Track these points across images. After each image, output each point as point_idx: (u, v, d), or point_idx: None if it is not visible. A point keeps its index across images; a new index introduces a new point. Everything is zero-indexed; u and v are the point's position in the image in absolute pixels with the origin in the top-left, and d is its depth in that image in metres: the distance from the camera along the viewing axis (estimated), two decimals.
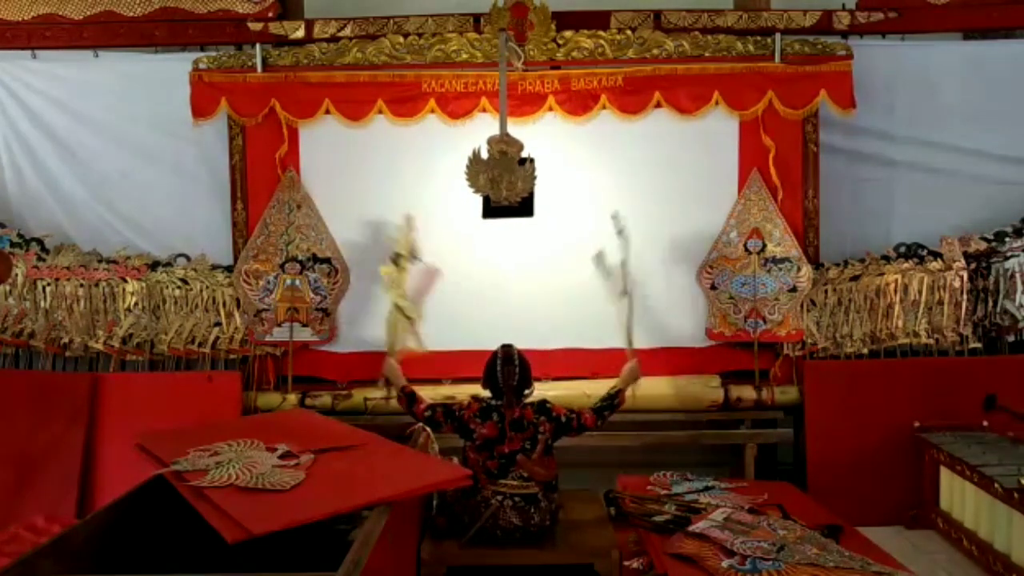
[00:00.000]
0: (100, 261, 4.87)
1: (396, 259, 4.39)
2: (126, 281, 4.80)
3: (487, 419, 3.71)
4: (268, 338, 4.77)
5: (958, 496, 4.14)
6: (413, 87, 4.73)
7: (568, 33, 4.73)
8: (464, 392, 4.36)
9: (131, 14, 4.88)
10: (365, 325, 4.84)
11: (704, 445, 4.98)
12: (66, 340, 4.78)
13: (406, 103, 4.73)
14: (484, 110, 4.69)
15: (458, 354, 4.67)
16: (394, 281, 4.40)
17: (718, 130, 4.76)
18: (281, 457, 3.05)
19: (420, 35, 4.76)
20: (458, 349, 4.69)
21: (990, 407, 4.21)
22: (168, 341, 4.76)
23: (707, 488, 4.18)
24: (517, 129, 4.37)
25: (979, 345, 4.74)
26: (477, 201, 4.23)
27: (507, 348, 3.88)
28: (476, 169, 4.15)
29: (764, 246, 4.74)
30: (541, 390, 4.16)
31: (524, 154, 4.16)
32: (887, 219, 5.05)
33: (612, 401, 3.91)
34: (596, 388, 4.68)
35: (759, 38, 4.74)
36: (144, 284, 4.79)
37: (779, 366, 4.77)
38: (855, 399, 4.60)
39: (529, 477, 3.62)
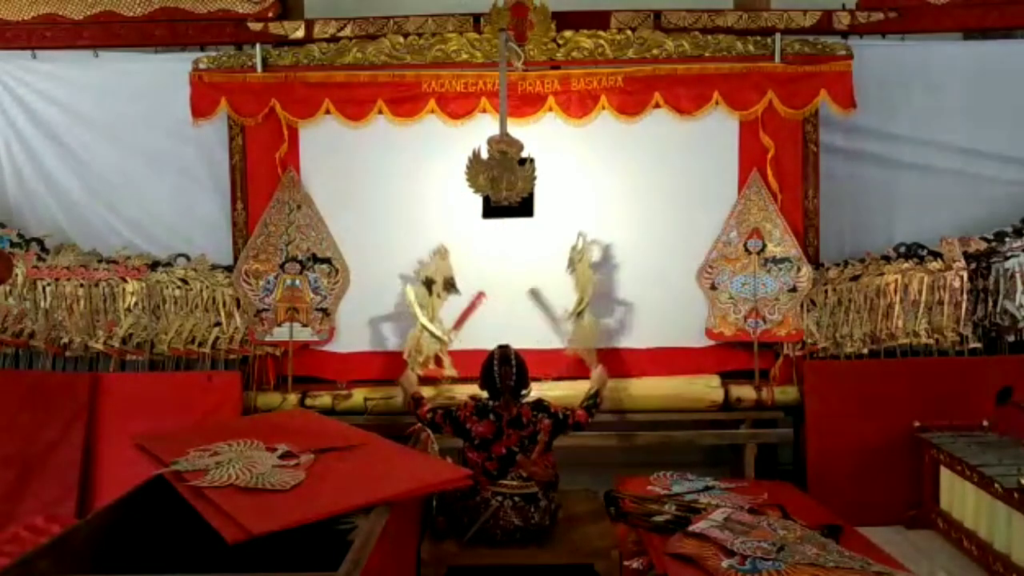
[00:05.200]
0: (100, 261, 4.87)
1: (428, 284, 4.64)
2: (126, 281, 4.80)
3: (483, 417, 3.72)
4: (268, 338, 4.76)
5: (958, 496, 4.13)
6: (413, 87, 4.72)
7: (568, 33, 4.73)
8: (463, 392, 4.36)
9: (131, 14, 4.88)
10: (365, 325, 4.84)
11: (704, 445, 4.98)
12: (66, 340, 4.77)
13: (406, 103, 4.73)
14: (484, 110, 4.68)
15: (457, 354, 4.66)
16: (424, 304, 4.63)
17: (718, 130, 4.75)
18: (281, 457, 3.06)
19: (420, 35, 4.76)
20: (457, 349, 4.69)
21: (1004, 400, 4.18)
22: (168, 341, 4.75)
23: (707, 488, 4.18)
24: (517, 129, 4.38)
25: (979, 345, 4.73)
26: (477, 201, 4.24)
27: (503, 348, 3.90)
28: (476, 169, 4.15)
29: (764, 246, 4.74)
30: (541, 390, 4.17)
31: (524, 154, 4.16)
32: (887, 219, 5.05)
33: (595, 400, 4.08)
34: None
35: (759, 38, 4.73)
36: (144, 284, 4.79)
37: (779, 366, 4.76)
38: (855, 399, 4.59)
39: (528, 477, 3.63)
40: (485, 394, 3.89)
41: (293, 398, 4.71)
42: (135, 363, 4.80)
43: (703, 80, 4.68)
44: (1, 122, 5.03)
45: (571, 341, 4.65)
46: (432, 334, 4.60)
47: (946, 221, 4.95)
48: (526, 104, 4.70)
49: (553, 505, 3.69)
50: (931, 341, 4.70)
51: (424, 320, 4.59)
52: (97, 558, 2.59)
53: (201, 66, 4.77)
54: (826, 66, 4.65)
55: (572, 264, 4.67)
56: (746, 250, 4.76)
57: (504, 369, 3.76)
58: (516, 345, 4.00)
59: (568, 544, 3.61)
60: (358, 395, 4.73)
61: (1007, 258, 4.74)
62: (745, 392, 4.72)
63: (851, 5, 4.82)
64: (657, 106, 4.70)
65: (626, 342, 4.81)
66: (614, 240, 4.77)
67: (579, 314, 4.61)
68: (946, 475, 4.25)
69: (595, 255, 4.72)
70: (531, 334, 4.63)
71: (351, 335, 4.85)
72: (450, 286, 4.69)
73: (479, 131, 4.42)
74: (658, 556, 3.39)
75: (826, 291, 4.75)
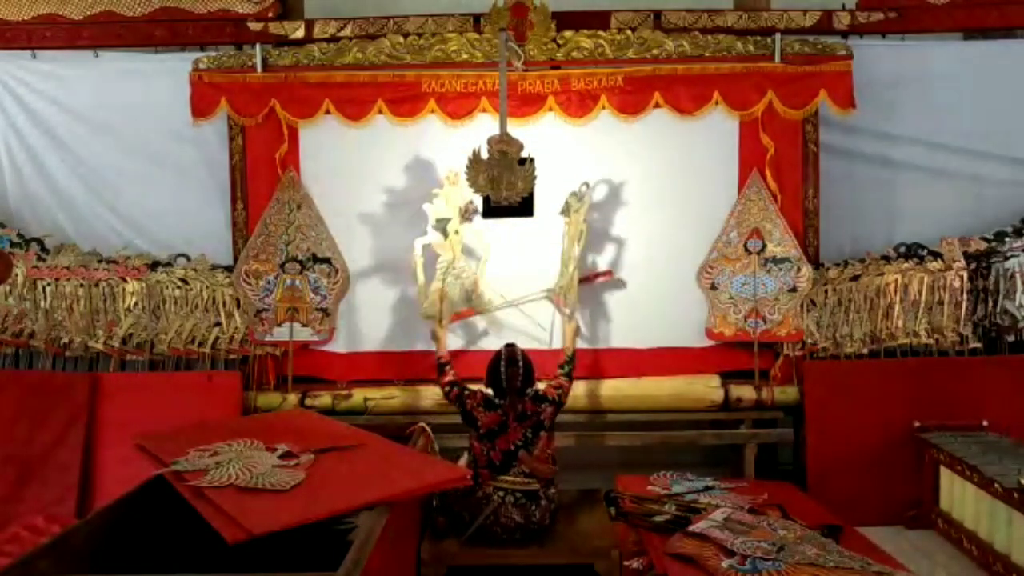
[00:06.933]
0: (100, 261, 4.87)
1: (442, 225, 4.44)
2: (126, 281, 4.80)
3: (491, 409, 3.73)
4: (268, 338, 4.76)
5: (958, 496, 4.13)
6: (413, 87, 4.72)
7: (568, 33, 4.73)
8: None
9: (131, 14, 4.88)
10: (365, 325, 4.84)
11: (704, 445, 4.97)
12: (66, 340, 4.78)
13: (406, 103, 4.73)
14: (484, 110, 4.68)
15: (459, 354, 4.65)
16: (443, 250, 4.45)
17: (718, 130, 4.75)
18: (281, 457, 3.06)
19: (420, 35, 4.75)
20: (458, 349, 4.69)
21: None
22: (168, 341, 4.75)
23: (707, 488, 4.18)
24: (517, 129, 4.38)
25: (979, 345, 4.73)
26: (477, 201, 4.24)
27: (511, 348, 3.88)
28: (476, 169, 4.16)
29: (764, 246, 4.74)
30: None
31: (524, 154, 4.17)
32: (887, 219, 5.05)
33: (572, 363, 4.08)
34: (597, 388, 4.71)
35: (759, 38, 4.73)
36: (144, 284, 4.79)
37: (779, 366, 4.76)
38: (855, 399, 4.59)
39: (530, 474, 3.63)
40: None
41: (293, 398, 4.71)
42: (135, 363, 4.81)
43: (703, 80, 4.67)
44: (1, 122, 5.03)
45: (560, 289, 4.50)
46: (456, 276, 4.41)
47: (946, 221, 4.94)
48: (526, 104, 4.70)
49: (553, 504, 3.69)
50: (931, 341, 4.70)
51: (444, 272, 4.42)
52: (97, 558, 2.59)
53: (201, 66, 4.77)
54: (826, 66, 4.65)
55: (568, 210, 4.49)
56: (746, 250, 4.76)
57: (511, 370, 3.76)
58: (519, 345, 4.00)
59: (568, 544, 3.62)
60: (358, 395, 4.74)
61: (1007, 258, 4.74)
62: (745, 392, 4.72)
63: (851, 5, 4.82)
64: (657, 106, 4.70)
65: (626, 342, 4.82)
66: (613, 240, 4.78)
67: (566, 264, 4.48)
68: (946, 475, 4.25)
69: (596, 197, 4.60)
70: (532, 335, 4.63)
71: (351, 335, 4.85)
72: (468, 213, 4.46)
73: (479, 131, 4.43)
74: (658, 556, 3.39)
75: (826, 291, 4.75)
